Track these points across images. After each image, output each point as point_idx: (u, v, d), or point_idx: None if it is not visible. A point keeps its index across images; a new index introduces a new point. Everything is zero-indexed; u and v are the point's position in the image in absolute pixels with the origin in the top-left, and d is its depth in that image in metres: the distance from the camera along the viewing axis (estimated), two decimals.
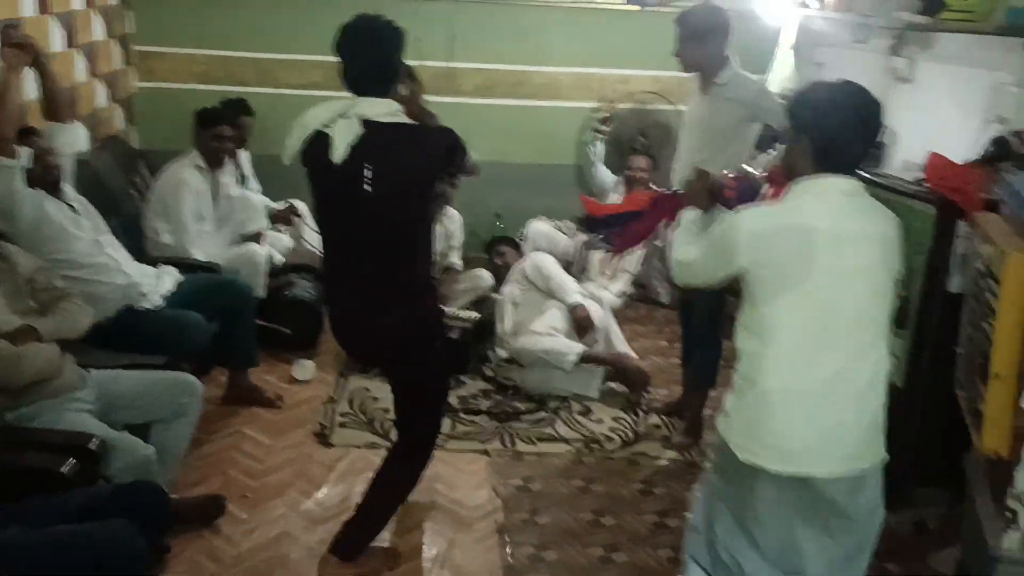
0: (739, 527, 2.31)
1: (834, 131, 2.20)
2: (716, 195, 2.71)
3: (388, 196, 2.60)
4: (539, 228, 5.25)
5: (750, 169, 2.86)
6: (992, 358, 2.54)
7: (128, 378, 2.98)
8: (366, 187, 2.57)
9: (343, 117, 2.58)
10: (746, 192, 2.70)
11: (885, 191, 3.34)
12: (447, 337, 2.93)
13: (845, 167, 2.24)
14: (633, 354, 4.40)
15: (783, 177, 2.43)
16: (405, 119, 2.65)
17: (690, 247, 2.49)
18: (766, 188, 2.75)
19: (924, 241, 3.16)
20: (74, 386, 2.82)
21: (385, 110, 2.61)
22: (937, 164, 3.17)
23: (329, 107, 2.62)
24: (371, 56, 2.62)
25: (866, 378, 2.34)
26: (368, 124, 2.58)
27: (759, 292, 2.22)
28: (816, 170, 2.21)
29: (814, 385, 2.23)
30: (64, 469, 2.39)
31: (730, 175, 2.75)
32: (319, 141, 2.59)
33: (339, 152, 2.55)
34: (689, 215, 2.66)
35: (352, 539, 2.93)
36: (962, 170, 3.15)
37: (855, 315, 2.25)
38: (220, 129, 4.32)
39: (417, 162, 2.63)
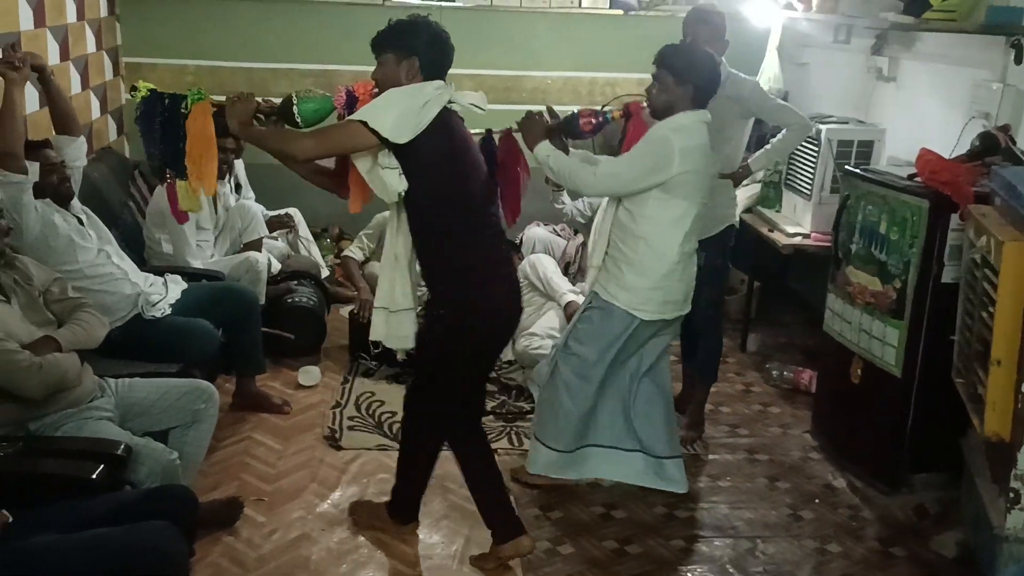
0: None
1: (708, 79, 3.06)
2: (572, 129, 3.16)
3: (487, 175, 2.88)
4: (536, 233, 5.29)
5: (597, 108, 3.20)
6: (992, 345, 2.63)
7: (144, 386, 3.01)
8: (483, 161, 2.89)
9: (455, 95, 2.75)
10: (600, 124, 3.15)
11: (879, 186, 3.45)
12: None
13: (706, 104, 3.09)
14: None
15: (639, 112, 3.20)
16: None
17: (590, 167, 3.12)
18: (618, 122, 3.26)
19: (918, 234, 3.27)
20: (93, 395, 2.85)
21: (479, 98, 2.86)
22: (928, 159, 3.28)
23: (441, 89, 2.69)
24: (452, 48, 2.77)
25: None
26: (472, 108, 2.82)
27: (680, 191, 3.03)
28: (694, 107, 3.05)
29: (690, 255, 3.18)
30: (95, 476, 2.42)
31: (583, 110, 3.17)
32: (448, 118, 2.70)
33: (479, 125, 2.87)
34: (545, 150, 3.11)
35: None
36: (952, 165, 3.27)
37: None
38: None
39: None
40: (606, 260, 3.19)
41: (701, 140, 3.06)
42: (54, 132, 3.56)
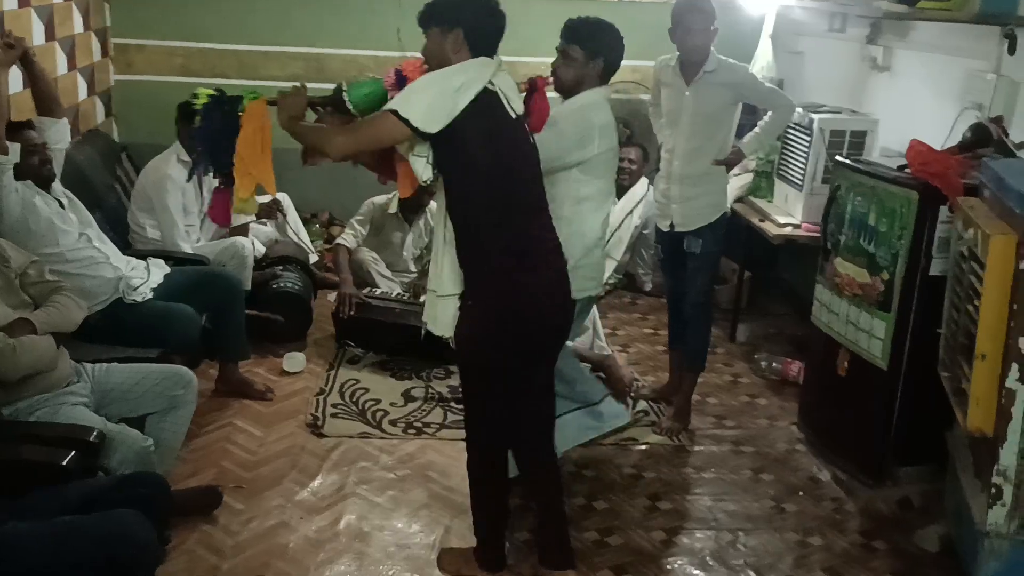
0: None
1: (617, 56, 3.08)
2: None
3: (536, 154, 2.70)
4: None
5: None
6: (977, 339, 2.60)
7: (121, 371, 2.99)
8: (531, 141, 2.69)
9: (502, 71, 2.59)
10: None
11: (868, 177, 3.42)
12: None
13: (609, 81, 3.11)
14: (618, 358, 4.39)
15: (543, 88, 2.96)
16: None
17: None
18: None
19: (906, 225, 3.23)
20: (69, 380, 2.83)
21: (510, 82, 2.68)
22: (918, 150, 3.24)
23: (480, 65, 2.52)
24: (501, 18, 2.60)
25: None
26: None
27: (598, 170, 3.03)
28: (600, 84, 3.06)
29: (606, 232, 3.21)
30: (65, 462, 2.40)
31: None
32: (486, 101, 2.50)
33: (519, 105, 2.62)
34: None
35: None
36: (942, 156, 3.23)
37: None
38: None
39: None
40: None
41: (611, 117, 3.08)
42: (36, 114, 3.52)
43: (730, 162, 3.68)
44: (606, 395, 3.44)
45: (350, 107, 2.75)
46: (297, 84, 2.80)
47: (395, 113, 2.44)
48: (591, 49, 2.99)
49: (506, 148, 2.59)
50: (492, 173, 2.55)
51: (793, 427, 3.97)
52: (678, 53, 3.60)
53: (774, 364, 4.47)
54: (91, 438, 2.54)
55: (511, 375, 2.72)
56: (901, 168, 3.32)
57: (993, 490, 2.66)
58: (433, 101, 2.44)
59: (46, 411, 2.70)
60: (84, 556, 2.07)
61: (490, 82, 2.51)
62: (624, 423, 3.52)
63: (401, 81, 2.73)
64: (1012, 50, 3.40)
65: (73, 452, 2.44)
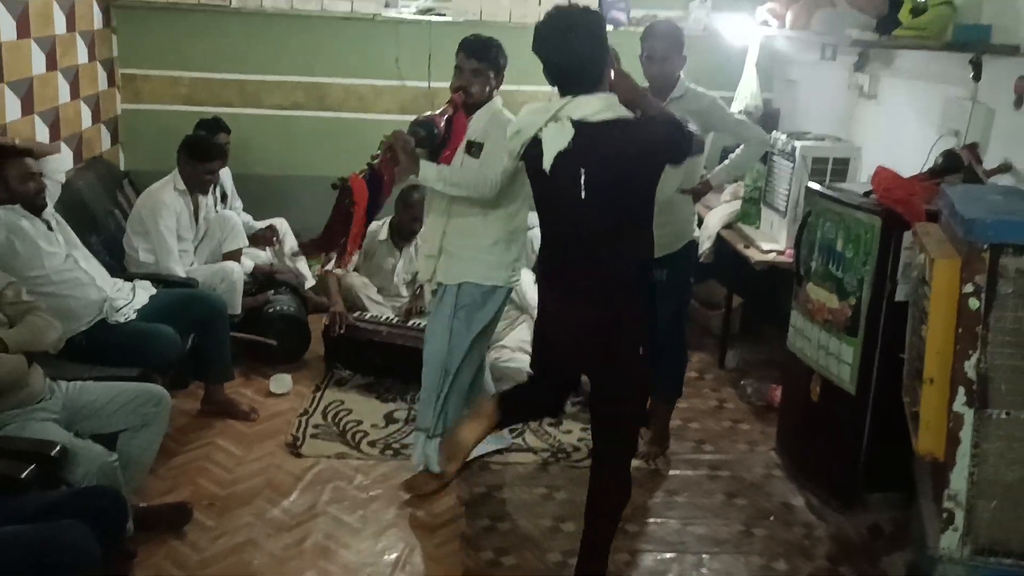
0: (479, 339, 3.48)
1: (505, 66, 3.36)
2: (433, 138, 3.22)
3: (604, 200, 2.57)
4: (535, 236, 5.31)
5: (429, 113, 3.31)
6: (925, 363, 2.61)
7: (95, 388, 3.07)
8: (581, 193, 2.55)
9: (554, 120, 2.54)
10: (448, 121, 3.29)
11: (836, 203, 3.44)
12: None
13: None
14: None
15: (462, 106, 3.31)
16: (621, 111, 2.58)
17: (475, 172, 3.22)
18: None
19: (871, 251, 3.25)
20: (41, 396, 2.91)
21: (597, 107, 2.53)
22: (883, 177, 3.26)
23: (542, 110, 2.58)
24: (573, 53, 2.52)
25: None
26: (578, 126, 2.51)
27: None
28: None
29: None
30: (23, 475, 2.47)
31: (420, 117, 3.25)
32: (535, 145, 2.58)
33: (548, 161, 2.54)
34: (433, 172, 3.17)
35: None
36: (906, 182, 3.25)
37: None
38: (214, 164, 4.43)
39: (634, 159, 2.56)
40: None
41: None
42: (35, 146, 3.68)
43: (697, 192, 3.70)
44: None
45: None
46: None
47: None
48: (499, 67, 3.35)
49: (542, 197, 2.75)
50: (537, 210, 2.82)
51: (772, 452, 3.96)
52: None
53: (760, 390, 4.48)
54: (53, 452, 2.61)
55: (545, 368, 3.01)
56: (867, 194, 3.34)
57: (945, 515, 2.65)
58: (511, 140, 2.74)
59: (14, 426, 2.78)
60: (19, 564, 2.13)
61: (540, 130, 2.57)
62: (503, 446, 3.84)
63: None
64: (978, 76, 3.43)
65: (32, 465, 2.51)
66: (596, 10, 2.71)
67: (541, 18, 2.61)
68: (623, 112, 2.60)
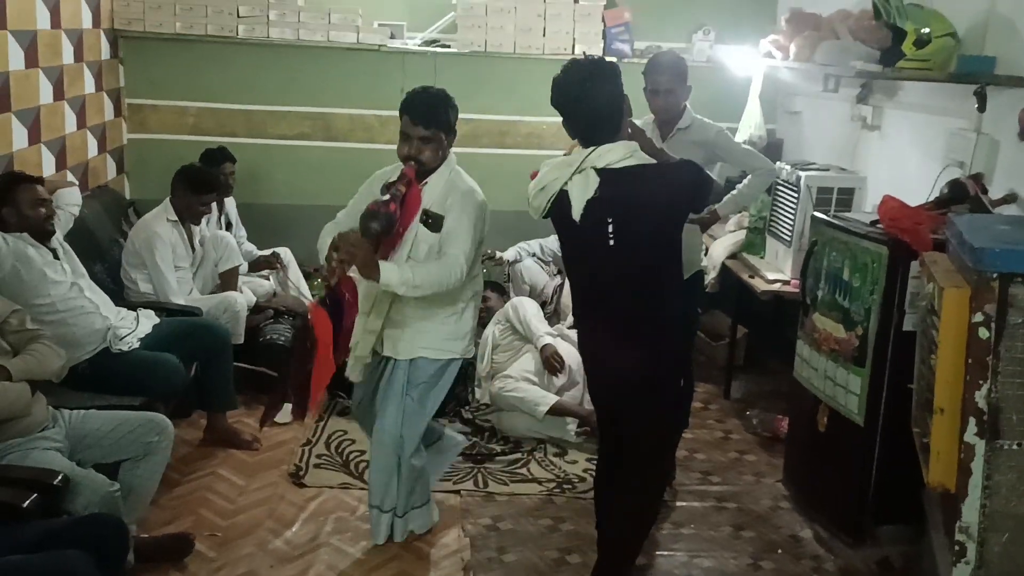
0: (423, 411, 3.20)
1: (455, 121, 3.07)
2: (391, 227, 2.87)
3: (633, 245, 2.65)
4: (526, 267, 5.31)
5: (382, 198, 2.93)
6: (935, 393, 2.59)
7: (97, 417, 3.05)
8: (610, 241, 2.63)
9: (578, 172, 2.61)
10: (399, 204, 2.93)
11: (842, 232, 3.43)
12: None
13: None
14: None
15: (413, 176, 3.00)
16: (644, 158, 2.66)
17: (437, 263, 2.96)
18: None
19: (878, 280, 3.23)
20: (44, 425, 2.89)
21: (621, 155, 2.61)
22: (890, 206, 3.26)
23: (564, 164, 2.66)
24: (595, 102, 2.61)
25: None
26: (604, 174, 2.59)
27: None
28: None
29: None
30: (25, 504, 2.45)
31: (373, 204, 2.86)
32: (561, 200, 2.66)
33: (577, 211, 2.61)
34: (395, 275, 2.83)
35: None
36: (913, 212, 3.24)
37: None
38: (211, 197, 4.44)
39: (660, 203, 2.64)
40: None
41: None
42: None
43: (704, 222, 3.70)
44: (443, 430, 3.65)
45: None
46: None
47: None
48: (451, 128, 3.07)
49: (572, 249, 2.81)
50: (566, 262, 2.89)
51: (779, 484, 3.93)
52: None
53: (766, 420, 4.45)
54: (55, 481, 2.59)
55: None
56: (873, 223, 3.34)
57: (957, 547, 2.61)
58: (531, 199, 2.76)
59: (17, 455, 2.76)
60: None
61: (566, 184, 2.65)
62: (465, 444, 3.87)
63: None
64: (982, 108, 3.43)
65: (34, 495, 2.49)
66: (612, 60, 2.77)
67: (559, 72, 2.67)
68: (645, 158, 2.66)
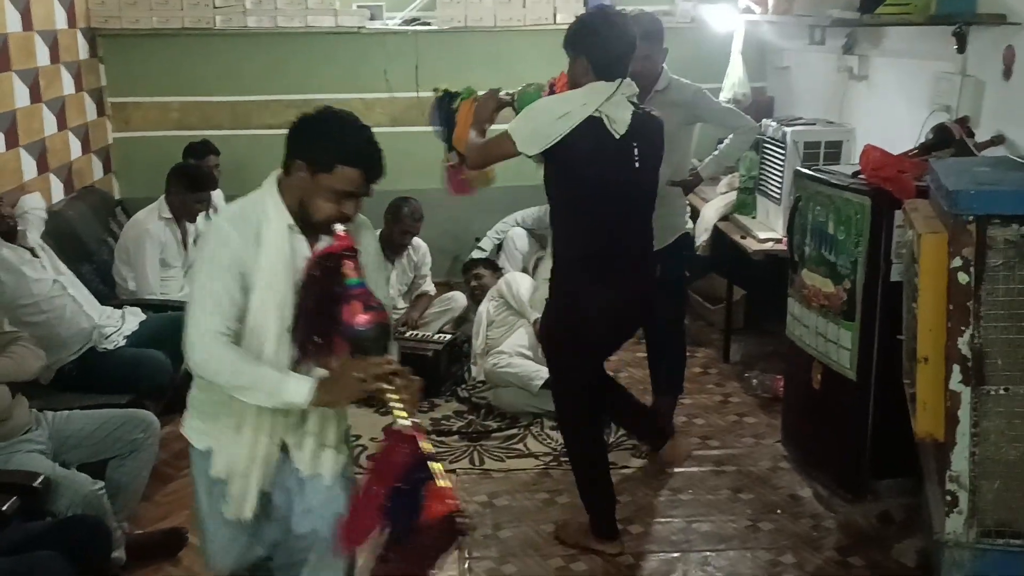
0: None
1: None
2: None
3: (648, 172, 2.95)
4: (516, 235, 5.30)
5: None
6: (918, 341, 2.54)
7: (81, 417, 3.04)
8: (635, 163, 2.87)
9: (609, 101, 2.78)
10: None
11: (825, 185, 3.37)
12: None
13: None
14: None
15: None
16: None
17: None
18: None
19: (862, 232, 3.17)
20: (26, 428, 2.88)
21: (633, 91, 2.89)
22: (872, 156, 3.18)
23: (592, 92, 2.79)
24: (627, 40, 2.84)
25: None
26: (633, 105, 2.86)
27: None
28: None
29: None
30: (5, 507, 2.44)
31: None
32: (588, 126, 2.76)
33: (623, 126, 2.79)
34: None
35: None
36: (896, 160, 3.16)
37: None
38: (206, 194, 4.41)
39: (660, 142, 3.01)
40: None
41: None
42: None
43: (687, 184, 3.65)
44: None
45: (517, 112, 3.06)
46: (493, 88, 3.17)
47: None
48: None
49: (596, 176, 2.86)
50: (576, 200, 2.91)
51: (778, 445, 3.88)
52: None
53: (765, 382, 4.40)
54: (36, 483, 2.58)
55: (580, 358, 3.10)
56: (855, 175, 3.27)
57: (948, 497, 2.56)
58: (537, 127, 2.78)
59: (0, 458, 2.76)
60: None
61: (597, 109, 2.78)
62: None
63: (552, 93, 3.09)
64: (961, 48, 3.35)
65: (14, 498, 2.48)
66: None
67: (577, 17, 2.94)
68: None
